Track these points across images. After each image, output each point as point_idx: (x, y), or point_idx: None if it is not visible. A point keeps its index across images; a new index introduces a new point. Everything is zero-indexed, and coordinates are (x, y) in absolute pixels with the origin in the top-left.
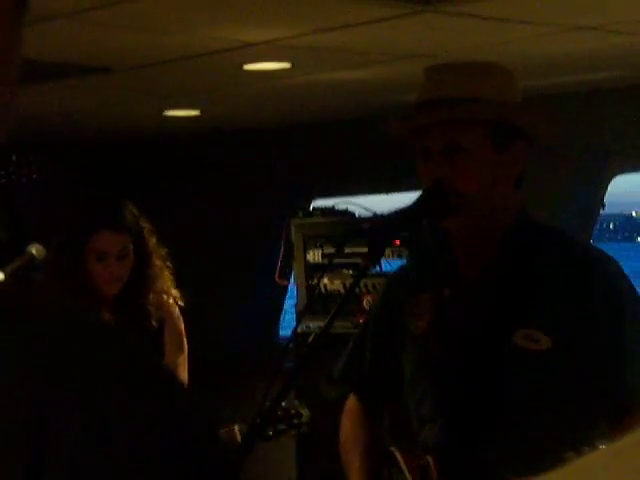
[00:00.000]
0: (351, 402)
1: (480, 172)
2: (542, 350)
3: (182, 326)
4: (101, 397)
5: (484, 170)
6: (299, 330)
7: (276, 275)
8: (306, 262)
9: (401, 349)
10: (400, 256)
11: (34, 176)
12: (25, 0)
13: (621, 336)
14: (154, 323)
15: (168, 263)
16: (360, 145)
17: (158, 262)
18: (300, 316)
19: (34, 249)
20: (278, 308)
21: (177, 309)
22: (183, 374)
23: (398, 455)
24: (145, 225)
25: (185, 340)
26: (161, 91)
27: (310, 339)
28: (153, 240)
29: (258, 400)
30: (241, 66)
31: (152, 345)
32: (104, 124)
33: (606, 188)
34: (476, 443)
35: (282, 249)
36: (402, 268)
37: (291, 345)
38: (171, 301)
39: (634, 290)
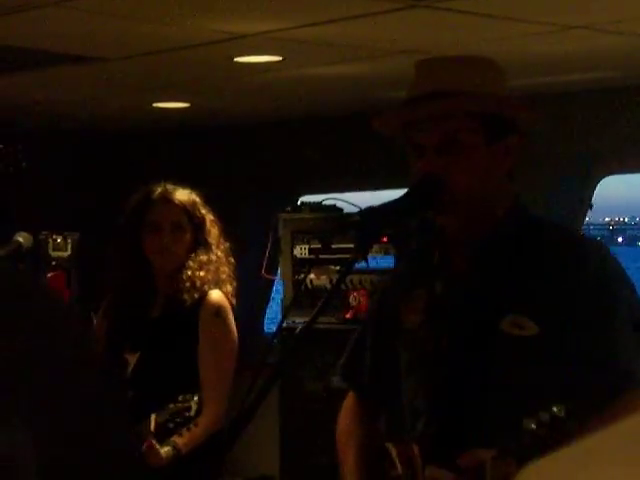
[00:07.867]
0: (350, 399)
1: (474, 166)
2: (528, 336)
3: (220, 323)
4: None
5: (478, 164)
6: (285, 325)
7: (263, 270)
8: (293, 257)
9: (397, 345)
10: (387, 253)
11: (22, 165)
12: None
13: (611, 320)
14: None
15: (231, 259)
16: (349, 141)
17: (218, 252)
18: (286, 311)
19: (21, 237)
20: (264, 303)
21: (220, 305)
22: (205, 372)
23: (392, 449)
24: (207, 214)
25: (222, 337)
26: (151, 82)
27: (296, 333)
28: (215, 230)
29: (243, 393)
30: (232, 58)
31: (179, 327)
32: (93, 114)
33: (593, 190)
34: (461, 429)
35: (269, 244)
36: (397, 266)
37: (276, 340)
38: (215, 295)
39: (626, 276)
